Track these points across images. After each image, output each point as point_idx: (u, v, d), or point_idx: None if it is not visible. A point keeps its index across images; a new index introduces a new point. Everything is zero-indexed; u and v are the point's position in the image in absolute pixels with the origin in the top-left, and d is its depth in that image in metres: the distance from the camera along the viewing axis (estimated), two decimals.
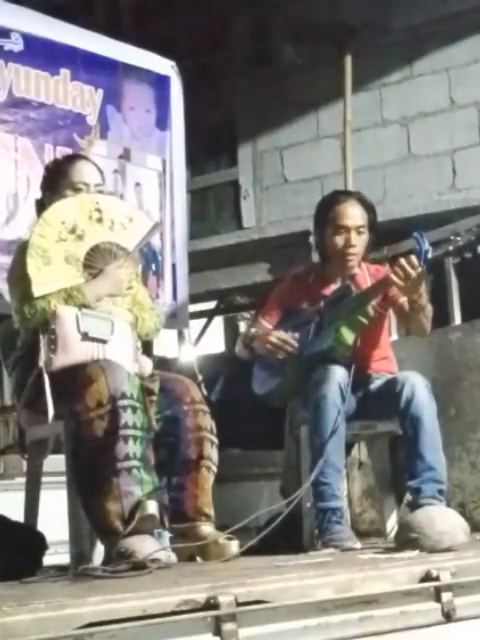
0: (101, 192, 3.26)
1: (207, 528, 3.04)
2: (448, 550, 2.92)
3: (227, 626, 1.94)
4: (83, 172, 3.25)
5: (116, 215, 3.20)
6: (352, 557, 2.95)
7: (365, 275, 3.71)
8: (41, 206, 3.28)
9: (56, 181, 3.24)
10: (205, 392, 3.44)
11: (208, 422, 3.13)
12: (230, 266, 6.70)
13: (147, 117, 5.26)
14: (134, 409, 2.83)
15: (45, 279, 3.03)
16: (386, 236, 4.38)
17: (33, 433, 3.17)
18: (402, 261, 3.38)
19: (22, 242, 3.22)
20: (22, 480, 3.34)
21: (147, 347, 3.47)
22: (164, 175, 5.29)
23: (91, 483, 2.80)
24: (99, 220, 3.15)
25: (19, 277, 3.09)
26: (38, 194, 3.35)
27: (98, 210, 3.15)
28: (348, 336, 3.50)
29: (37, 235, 3.07)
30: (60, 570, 2.88)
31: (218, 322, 8.37)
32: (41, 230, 3.08)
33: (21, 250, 3.16)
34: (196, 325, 7.26)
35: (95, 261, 3.13)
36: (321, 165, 6.39)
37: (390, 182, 6.18)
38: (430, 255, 3.38)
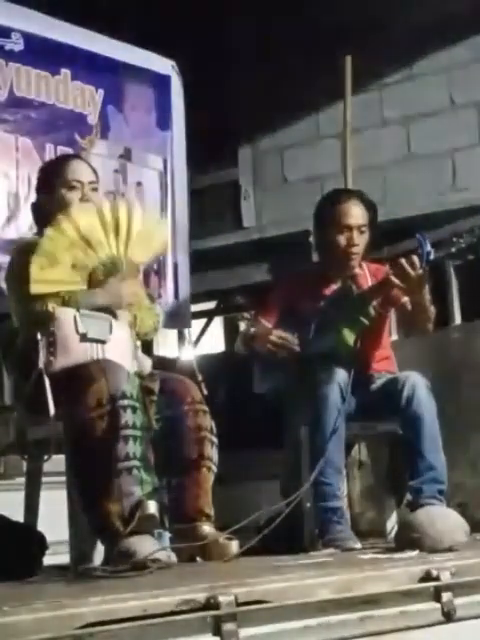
0: (95, 190, 3.25)
1: (207, 528, 3.04)
2: (448, 550, 2.92)
3: (227, 626, 1.94)
4: (77, 170, 3.24)
5: (135, 227, 3.16)
6: (352, 557, 2.96)
7: (366, 275, 3.71)
8: (38, 209, 3.27)
9: (51, 182, 3.24)
10: (205, 392, 3.42)
11: (208, 422, 3.13)
12: (230, 266, 6.69)
13: (148, 117, 5.26)
14: (134, 409, 2.82)
15: (45, 279, 3.02)
16: (386, 236, 4.38)
17: (33, 433, 3.17)
18: (402, 261, 3.38)
19: (21, 242, 3.22)
20: (22, 480, 3.34)
21: (146, 346, 3.47)
22: (165, 175, 5.29)
23: (91, 483, 2.80)
24: (116, 232, 3.11)
25: (16, 277, 3.09)
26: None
27: (116, 219, 3.12)
28: (349, 336, 3.50)
29: (48, 239, 3.04)
30: (60, 570, 2.88)
31: (218, 322, 8.36)
32: (53, 235, 3.05)
33: (19, 250, 3.16)
34: (196, 325, 7.25)
35: (102, 273, 3.10)
36: (321, 165, 6.37)
37: (390, 182, 6.17)
38: (432, 257, 3.38)
